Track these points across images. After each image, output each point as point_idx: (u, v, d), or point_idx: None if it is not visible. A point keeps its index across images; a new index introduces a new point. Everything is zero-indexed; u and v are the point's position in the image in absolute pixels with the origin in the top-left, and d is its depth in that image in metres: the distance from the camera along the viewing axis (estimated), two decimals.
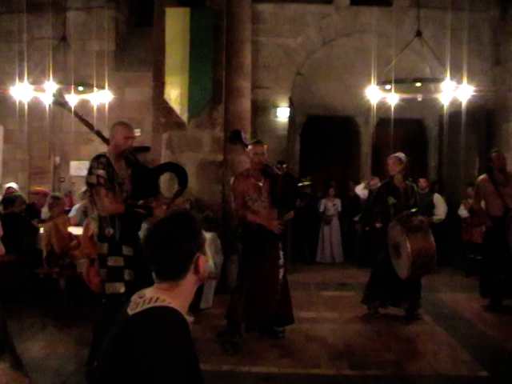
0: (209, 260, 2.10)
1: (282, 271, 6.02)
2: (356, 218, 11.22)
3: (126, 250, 4.84)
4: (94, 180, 4.72)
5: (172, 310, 1.92)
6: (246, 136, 7.00)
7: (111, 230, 4.81)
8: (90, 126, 5.52)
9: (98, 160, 4.79)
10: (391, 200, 6.97)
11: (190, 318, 2.00)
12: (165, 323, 1.87)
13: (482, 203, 7.72)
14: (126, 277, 4.77)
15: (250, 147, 6.07)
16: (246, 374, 5.11)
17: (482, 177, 7.74)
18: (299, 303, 7.63)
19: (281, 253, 6.03)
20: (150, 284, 2.09)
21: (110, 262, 4.80)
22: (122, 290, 4.71)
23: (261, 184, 5.93)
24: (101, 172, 4.72)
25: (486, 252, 7.69)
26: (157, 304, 1.92)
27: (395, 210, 6.97)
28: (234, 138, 6.49)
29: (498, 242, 7.27)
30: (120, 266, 4.80)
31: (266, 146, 6.10)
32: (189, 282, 2.01)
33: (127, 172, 4.94)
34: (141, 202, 4.92)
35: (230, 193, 6.16)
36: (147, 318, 1.89)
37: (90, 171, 4.77)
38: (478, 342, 6.15)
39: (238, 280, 6.03)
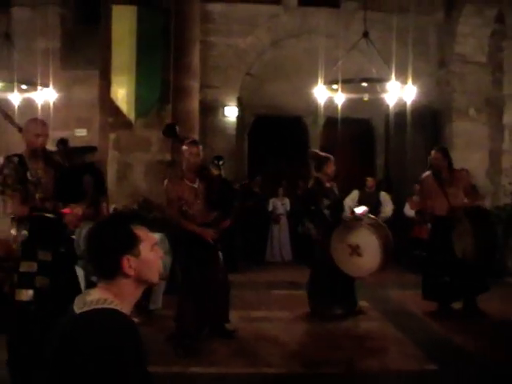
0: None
1: (223, 271, 6.00)
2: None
3: (42, 255, 4.64)
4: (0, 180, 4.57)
5: (117, 313, 1.90)
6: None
7: (25, 233, 4.63)
8: (15, 124, 5.35)
9: (8, 159, 4.64)
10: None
11: (134, 320, 1.97)
12: (109, 325, 1.85)
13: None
14: (38, 284, 4.57)
15: (184, 147, 5.79)
16: (197, 375, 5.05)
17: (425, 173, 7.40)
18: (250, 303, 7.64)
19: (220, 254, 5.97)
20: (70, 291, 2.06)
21: (22, 267, 4.60)
22: (31, 297, 4.53)
23: (196, 186, 5.76)
24: (8, 172, 4.56)
25: (430, 253, 7.38)
26: (105, 306, 1.90)
27: (330, 211, 6.94)
28: (168, 131, 6.24)
29: (443, 242, 6.94)
30: (32, 271, 4.59)
31: (200, 147, 5.86)
32: (125, 284, 1.97)
33: (46, 172, 4.76)
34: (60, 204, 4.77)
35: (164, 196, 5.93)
36: (92, 319, 1.86)
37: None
38: (426, 337, 6.26)
39: (183, 286, 5.87)
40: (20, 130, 4.98)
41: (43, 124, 4.87)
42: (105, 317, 1.87)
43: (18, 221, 4.66)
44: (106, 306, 1.89)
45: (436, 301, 7.20)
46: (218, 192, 5.76)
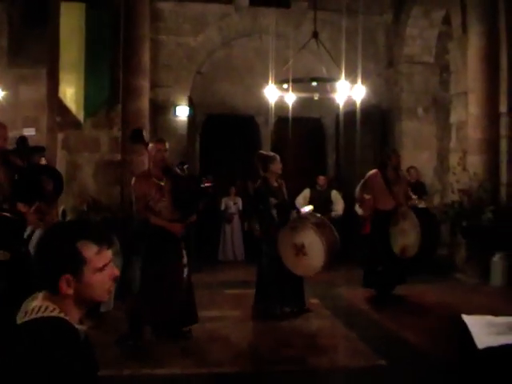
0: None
1: (186, 270, 5.96)
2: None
3: (0, 255, 4.62)
4: None
5: (58, 320, 1.83)
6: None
7: None
8: None
9: None
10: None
11: (82, 327, 1.91)
12: (49, 334, 1.77)
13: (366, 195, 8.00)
14: None
15: (151, 145, 5.95)
16: (148, 377, 5.03)
17: (372, 171, 7.88)
18: (202, 302, 7.57)
19: (184, 252, 5.97)
20: (26, 291, 2.00)
21: None
22: None
23: (162, 184, 5.83)
24: None
25: (371, 244, 7.94)
26: (45, 314, 1.82)
27: (278, 210, 7.01)
28: (135, 137, 6.27)
29: (383, 235, 7.47)
30: None
31: (166, 144, 6.00)
32: (66, 301, 1.87)
33: (4, 173, 4.76)
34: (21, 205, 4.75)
35: (132, 193, 6.03)
36: (33, 328, 1.79)
37: None
38: (375, 333, 6.38)
39: (142, 281, 5.88)
40: None
41: (2, 127, 4.89)
42: (45, 327, 1.80)
43: None
44: (46, 314, 1.82)
45: (373, 288, 7.80)
46: (185, 191, 5.87)
